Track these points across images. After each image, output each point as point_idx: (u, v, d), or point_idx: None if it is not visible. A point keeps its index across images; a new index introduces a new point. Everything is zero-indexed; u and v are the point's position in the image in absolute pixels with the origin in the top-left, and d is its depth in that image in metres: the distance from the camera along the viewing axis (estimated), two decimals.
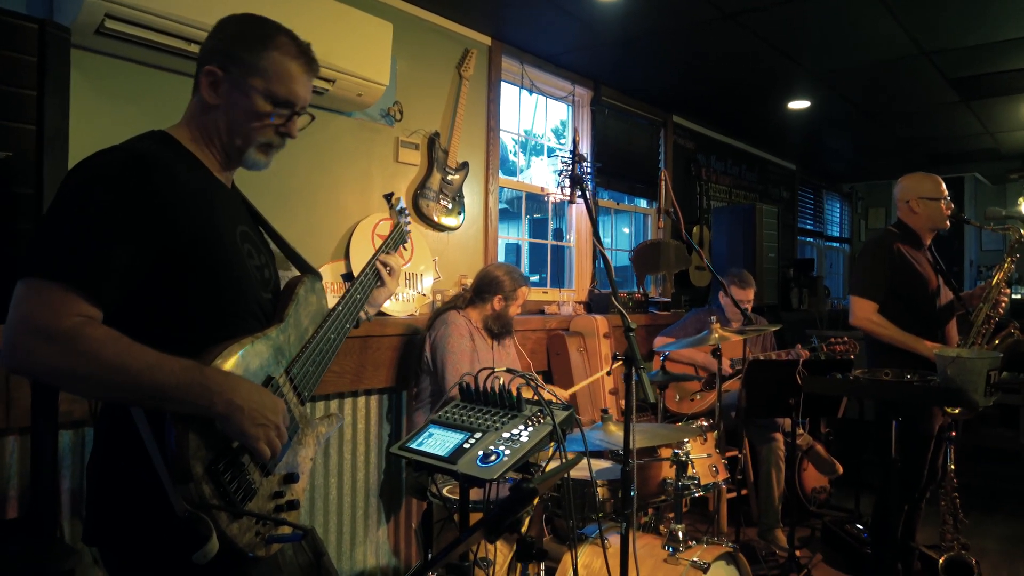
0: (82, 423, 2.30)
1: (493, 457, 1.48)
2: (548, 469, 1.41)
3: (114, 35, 2.36)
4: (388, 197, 2.00)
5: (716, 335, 3.18)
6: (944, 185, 3.24)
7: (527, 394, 1.63)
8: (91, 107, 2.47)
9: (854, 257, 9.10)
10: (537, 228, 6.21)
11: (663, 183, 3.32)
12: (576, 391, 3.58)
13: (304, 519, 2.99)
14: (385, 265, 1.75)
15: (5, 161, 1.60)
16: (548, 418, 1.56)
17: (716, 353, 3.28)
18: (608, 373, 3.36)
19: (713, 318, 3.34)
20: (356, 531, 3.21)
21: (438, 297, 3.60)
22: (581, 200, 2.10)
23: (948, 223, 3.22)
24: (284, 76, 1.39)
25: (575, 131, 2.26)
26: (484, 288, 3.18)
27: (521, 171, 5.30)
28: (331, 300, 1.64)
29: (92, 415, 2.22)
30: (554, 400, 1.64)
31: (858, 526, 3.79)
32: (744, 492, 4.21)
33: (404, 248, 2.00)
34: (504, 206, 5.42)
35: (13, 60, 1.63)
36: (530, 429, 1.54)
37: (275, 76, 1.38)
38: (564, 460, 1.45)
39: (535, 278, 5.21)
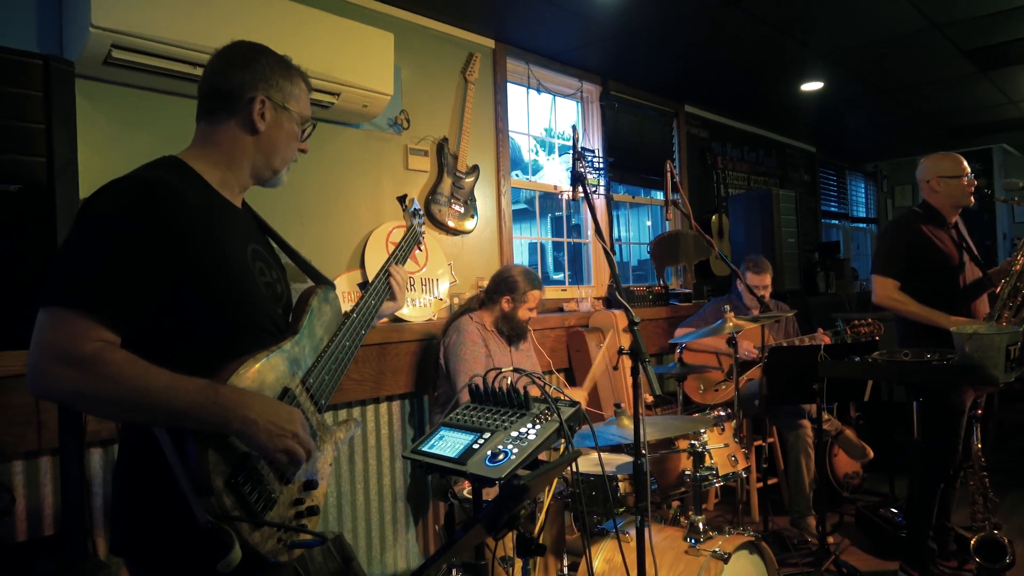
0: (111, 442, 2.38)
1: (501, 456, 1.50)
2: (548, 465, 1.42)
3: (122, 64, 2.43)
4: (402, 199, 2.02)
5: (730, 324, 3.16)
6: (965, 162, 3.23)
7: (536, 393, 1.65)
8: (104, 135, 2.55)
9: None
10: (559, 226, 6.22)
11: (668, 174, 3.31)
12: (594, 386, 3.57)
13: (332, 525, 3.04)
14: (392, 277, 1.79)
15: (17, 193, 1.66)
16: (555, 415, 1.58)
17: (731, 342, 3.27)
18: (615, 368, 3.35)
19: (727, 307, 3.33)
20: (385, 535, 3.26)
21: (455, 301, 3.64)
22: (585, 198, 2.11)
23: (972, 199, 3.21)
24: (303, 98, 1.54)
25: (574, 129, 2.27)
26: (495, 288, 3.19)
27: (539, 169, 5.32)
28: (348, 309, 1.68)
29: (120, 433, 2.29)
30: (561, 397, 1.66)
31: (892, 510, 3.73)
32: (773, 481, 4.18)
33: (419, 249, 2.03)
34: (524, 206, 5.45)
35: (20, 96, 1.69)
36: (538, 427, 1.56)
37: (300, 99, 1.53)
38: (567, 454, 1.47)
39: (559, 276, 5.22)
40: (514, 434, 1.55)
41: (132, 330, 1.24)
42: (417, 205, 2.03)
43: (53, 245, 1.71)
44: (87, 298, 1.19)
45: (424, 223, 2.07)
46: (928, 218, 3.21)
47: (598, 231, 2.07)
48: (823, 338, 4.02)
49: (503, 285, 3.16)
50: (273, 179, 1.54)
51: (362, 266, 3.33)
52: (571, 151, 2.17)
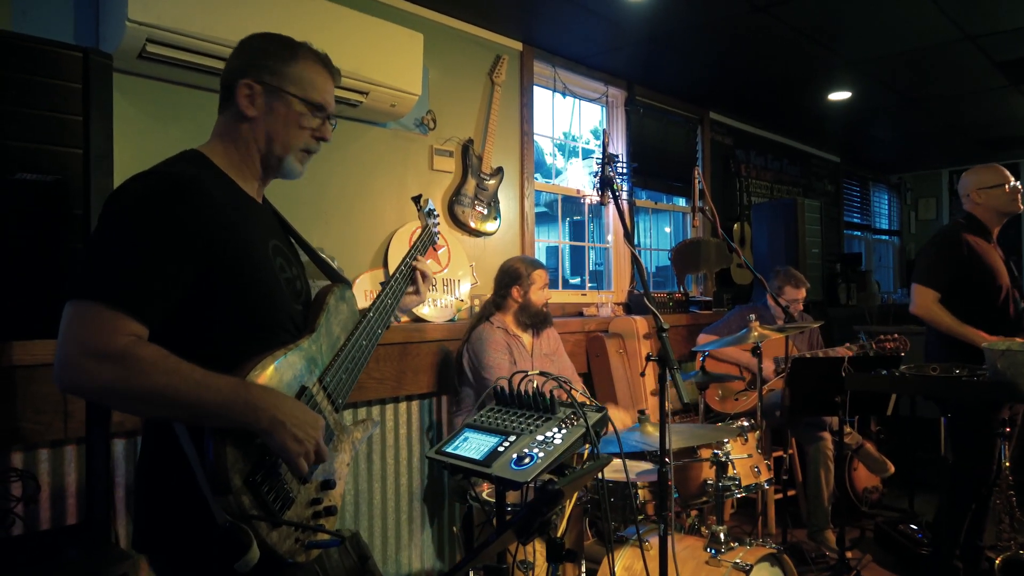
0: (135, 432, 2.39)
1: (527, 460, 1.48)
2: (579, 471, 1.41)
3: (156, 58, 2.45)
4: (416, 199, 2.00)
5: (755, 333, 3.13)
6: (1007, 172, 3.23)
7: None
8: (136, 128, 2.57)
9: (903, 250, 8.85)
10: (577, 230, 6.20)
11: (696, 181, 3.29)
12: (612, 390, 3.55)
13: (349, 523, 3.04)
14: (420, 272, 1.78)
15: (54, 184, 1.67)
16: (581, 420, 1.57)
17: (756, 352, 3.24)
18: (642, 374, 3.33)
19: (752, 316, 3.30)
20: (401, 535, 3.26)
21: (476, 302, 3.63)
22: (613, 202, 2.10)
23: (1021, 206, 3.18)
24: (315, 82, 1.47)
25: (605, 133, 2.26)
26: (500, 284, 3.19)
27: (559, 173, 5.31)
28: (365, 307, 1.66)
29: (142, 428, 2.30)
30: (587, 402, 1.65)
31: (912, 526, 3.68)
32: (792, 493, 4.13)
33: (434, 249, 2.01)
34: (543, 209, 5.44)
35: (60, 87, 1.71)
36: (564, 431, 1.55)
37: (307, 83, 1.45)
38: (599, 460, 1.45)
39: (576, 280, 5.20)
40: (540, 438, 1.54)
41: (159, 323, 1.23)
42: (432, 205, 2.02)
43: (87, 236, 1.72)
44: (116, 291, 1.18)
45: (439, 223, 2.05)
46: (972, 229, 3.19)
47: (627, 236, 2.06)
48: (846, 353, 3.97)
49: (507, 278, 3.17)
50: (283, 168, 1.48)
51: (385, 265, 3.34)
52: (598, 155, 2.16)
